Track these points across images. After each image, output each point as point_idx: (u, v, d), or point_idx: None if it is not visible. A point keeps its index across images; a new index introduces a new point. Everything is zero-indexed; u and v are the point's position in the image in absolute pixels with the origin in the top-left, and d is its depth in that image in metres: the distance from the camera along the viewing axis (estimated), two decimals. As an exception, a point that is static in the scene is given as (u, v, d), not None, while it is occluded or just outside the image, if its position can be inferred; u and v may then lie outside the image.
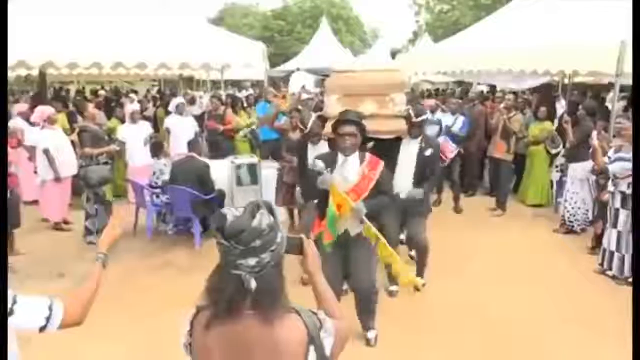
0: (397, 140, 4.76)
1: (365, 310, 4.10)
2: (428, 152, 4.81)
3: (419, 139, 4.81)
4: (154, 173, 6.76)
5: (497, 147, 8.00)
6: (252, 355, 1.49)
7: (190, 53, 8.32)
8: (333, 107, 4.34)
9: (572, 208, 6.80)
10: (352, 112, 3.82)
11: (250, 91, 17.13)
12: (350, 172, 3.70)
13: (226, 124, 9.23)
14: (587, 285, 5.39)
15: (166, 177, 6.62)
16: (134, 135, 7.99)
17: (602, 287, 5.34)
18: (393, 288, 5.05)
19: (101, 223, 6.58)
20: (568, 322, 4.56)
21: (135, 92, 17.77)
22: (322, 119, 5.08)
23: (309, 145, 5.09)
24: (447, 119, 8.32)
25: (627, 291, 5.17)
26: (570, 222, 6.89)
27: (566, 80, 12.69)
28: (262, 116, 8.92)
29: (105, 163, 6.63)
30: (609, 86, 12.81)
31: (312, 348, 1.50)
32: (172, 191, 6.37)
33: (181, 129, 8.52)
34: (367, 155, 3.80)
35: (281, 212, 6.64)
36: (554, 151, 7.75)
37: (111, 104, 10.79)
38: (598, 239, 5.97)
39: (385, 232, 3.86)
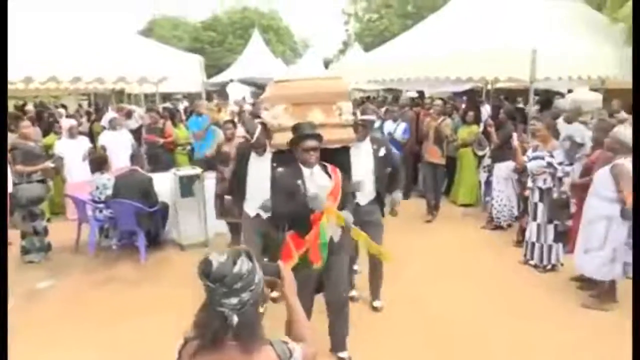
0: (344, 148, 4.60)
1: (340, 326, 4.03)
2: (382, 152, 4.80)
3: (368, 141, 4.78)
4: (97, 188, 6.71)
5: (432, 153, 8.17)
6: None
7: (127, 67, 8.32)
8: (281, 117, 4.24)
9: (499, 205, 7.35)
10: (306, 124, 3.83)
11: (186, 104, 16.98)
12: (323, 180, 3.71)
13: (166, 137, 9.24)
14: (513, 276, 5.87)
15: (109, 191, 6.60)
16: (72, 151, 7.90)
17: (526, 276, 5.83)
18: (377, 304, 5.03)
19: (41, 241, 6.51)
20: (499, 310, 4.98)
21: (64, 106, 17.23)
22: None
23: (253, 156, 4.90)
24: (388, 125, 8.74)
25: (547, 278, 5.73)
26: (498, 218, 7.43)
27: (489, 86, 13.56)
28: (196, 132, 8.91)
29: (40, 181, 6.48)
30: (525, 91, 13.78)
31: None
32: (116, 205, 6.37)
33: (116, 145, 8.48)
34: (325, 163, 3.81)
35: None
36: (480, 153, 8.29)
37: (43, 119, 10.52)
38: (524, 233, 6.48)
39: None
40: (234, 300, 1.68)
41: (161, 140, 9.20)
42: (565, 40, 8.21)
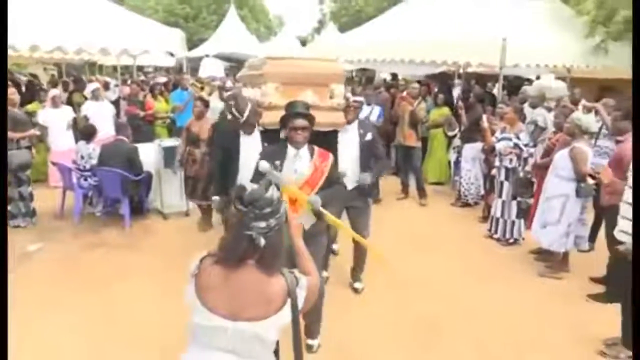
0: (332, 132, 4.61)
1: (313, 313, 3.79)
2: (369, 137, 4.76)
3: (356, 125, 4.77)
4: (82, 157, 6.87)
5: (408, 136, 8.21)
6: (244, 296, 1.91)
7: (110, 38, 8.43)
8: (271, 95, 4.15)
9: (467, 184, 7.81)
10: (299, 103, 3.72)
11: (164, 78, 16.90)
12: (303, 165, 3.55)
13: (146, 109, 9.38)
14: (479, 248, 6.33)
15: (94, 160, 6.78)
16: (56, 120, 8.02)
17: (490, 249, 6.31)
18: (358, 285, 5.02)
19: (27, 206, 6.67)
20: (466, 278, 5.41)
21: (34, 75, 16.98)
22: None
23: (242, 135, 4.70)
24: (364, 109, 9.05)
25: (509, 250, 6.21)
26: (465, 196, 7.90)
27: (461, 70, 13.99)
28: (179, 104, 9.12)
29: (27, 147, 6.64)
30: (496, 76, 14.30)
31: (289, 300, 1.95)
32: (103, 173, 6.56)
33: (99, 115, 8.59)
34: (315, 148, 3.67)
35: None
36: (451, 134, 8.70)
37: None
38: (489, 210, 6.94)
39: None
40: (262, 224, 1.87)
41: (141, 113, 9.34)
42: (533, 30, 8.69)
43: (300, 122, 3.53)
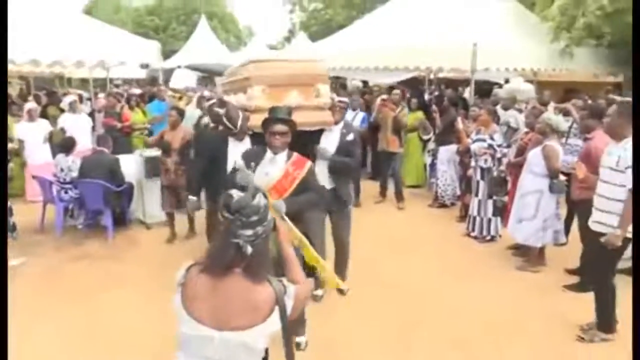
0: (317, 131, 4.66)
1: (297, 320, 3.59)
2: (350, 137, 4.77)
3: (341, 126, 4.78)
4: (62, 170, 6.86)
5: (391, 142, 8.20)
6: (230, 304, 1.90)
7: (86, 51, 8.45)
8: (258, 98, 4.18)
9: (443, 185, 8.04)
10: (282, 108, 3.72)
11: (137, 90, 16.83)
12: (274, 169, 3.54)
13: (123, 120, 9.38)
14: (458, 246, 6.54)
15: (74, 173, 6.77)
16: (32, 133, 7.97)
17: (468, 246, 6.52)
18: (318, 292, 4.88)
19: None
20: (446, 275, 5.60)
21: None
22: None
23: (231, 142, 4.67)
24: (348, 114, 9.19)
25: (486, 247, 6.43)
26: (442, 197, 8.12)
27: (431, 76, 14.36)
28: (158, 115, 9.17)
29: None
30: (467, 81, 14.72)
31: (276, 308, 1.94)
32: (84, 185, 6.56)
33: (77, 128, 8.57)
34: (294, 154, 3.65)
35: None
36: (425, 137, 8.94)
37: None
38: (466, 209, 7.15)
39: (311, 234, 3.61)
40: (249, 232, 1.88)
41: (119, 125, 9.33)
42: (502, 35, 9.02)
43: (279, 127, 3.55)
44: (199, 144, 5.40)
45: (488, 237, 6.56)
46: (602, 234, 3.89)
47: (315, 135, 4.44)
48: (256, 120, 4.07)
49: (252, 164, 3.34)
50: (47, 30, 7.93)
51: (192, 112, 8.21)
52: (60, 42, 8.10)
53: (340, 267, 5.05)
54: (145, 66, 15.98)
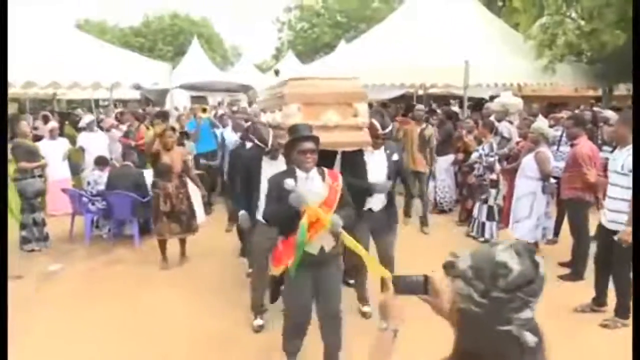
0: (358, 152, 4.50)
1: (335, 333, 3.73)
2: (395, 157, 4.69)
3: (382, 146, 4.64)
4: (89, 183, 7.36)
5: (417, 161, 7.79)
6: None
7: (100, 73, 8.98)
8: (293, 117, 4.01)
9: (442, 192, 8.67)
10: (304, 125, 3.66)
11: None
12: (315, 186, 3.49)
13: (138, 139, 9.86)
14: (458, 245, 7.12)
15: (101, 186, 7.28)
16: (53, 151, 8.42)
17: (468, 245, 7.10)
18: (366, 309, 4.84)
19: (40, 232, 7.07)
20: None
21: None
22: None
23: (265, 161, 4.49)
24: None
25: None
26: (441, 204, 8.74)
27: (420, 92, 15.12)
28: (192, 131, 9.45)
29: (40, 176, 7.07)
30: (454, 97, 15.58)
31: None
32: (113, 197, 7.05)
33: (95, 145, 9.07)
34: (324, 168, 3.63)
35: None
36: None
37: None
38: (467, 213, 7.77)
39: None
40: (527, 314, 1.28)
41: (133, 143, 9.81)
42: (489, 53, 9.75)
43: (309, 145, 3.47)
44: (234, 163, 5.43)
45: (481, 239, 7.08)
46: (617, 232, 4.36)
47: (354, 156, 4.33)
48: None
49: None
50: (60, 53, 8.41)
51: (230, 136, 8.53)
52: (76, 64, 8.64)
53: (362, 287, 4.93)
54: (137, 87, 16.48)
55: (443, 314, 1.55)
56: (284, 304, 3.87)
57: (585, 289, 5.12)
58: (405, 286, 1.65)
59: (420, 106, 8.62)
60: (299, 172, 3.49)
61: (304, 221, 3.35)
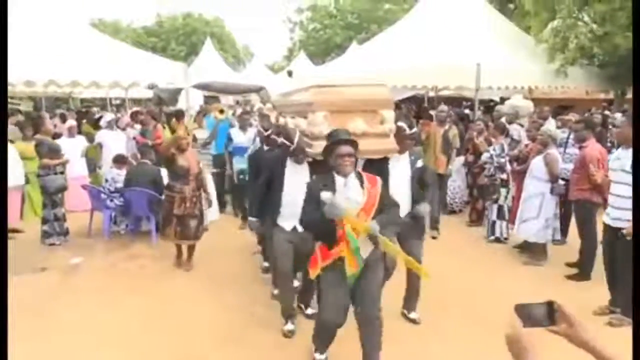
0: (383, 159, 4.40)
1: (374, 341, 3.74)
2: (420, 163, 4.63)
3: (407, 153, 4.56)
4: (107, 180, 7.58)
5: (439, 163, 7.74)
6: None
7: (120, 73, 9.21)
8: (321, 125, 3.95)
9: (452, 193, 8.79)
10: (343, 130, 3.68)
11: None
12: (354, 193, 3.51)
13: (155, 138, 10.06)
14: (469, 245, 7.26)
15: (119, 184, 7.49)
16: (71, 149, 8.65)
17: (478, 245, 7.25)
18: (413, 316, 4.83)
19: (61, 226, 7.29)
20: (460, 267, 6.31)
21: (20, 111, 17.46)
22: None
23: (290, 164, 4.42)
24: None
25: (497, 246, 7.13)
26: (451, 204, 8.86)
27: (431, 94, 15.24)
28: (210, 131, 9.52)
29: (61, 173, 7.29)
30: (465, 99, 15.67)
31: None
32: (131, 193, 7.25)
33: (113, 142, 9.31)
34: (363, 173, 3.66)
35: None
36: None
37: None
38: (477, 214, 7.89)
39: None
40: None
41: (150, 142, 10.01)
42: (501, 56, 9.87)
43: (347, 149, 3.51)
44: (256, 165, 5.27)
45: (492, 238, 7.24)
46: (621, 229, 4.50)
47: (378, 163, 4.27)
48: (317, 148, 3.92)
49: (330, 193, 3.40)
50: (80, 52, 8.65)
51: (238, 136, 8.37)
52: (95, 63, 8.89)
53: (411, 293, 4.88)
54: (152, 87, 16.78)
55: (586, 346, 1.39)
56: (319, 307, 3.96)
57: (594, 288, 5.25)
58: (530, 317, 1.43)
59: (443, 107, 8.46)
60: (337, 178, 3.53)
61: (349, 229, 3.38)
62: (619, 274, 4.77)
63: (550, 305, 1.42)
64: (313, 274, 3.80)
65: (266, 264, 6.04)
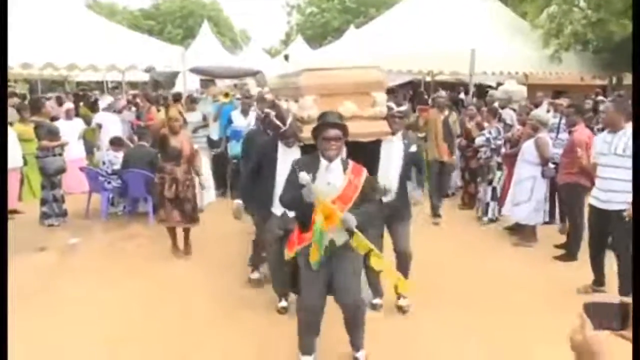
0: (375, 142, 4.32)
1: (355, 327, 3.73)
2: (413, 148, 4.53)
3: (401, 135, 4.47)
4: (104, 162, 7.68)
5: (441, 151, 7.53)
6: None
7: (118, 56, 9.25)
8: (310, 109, 3.89)
9: (445, 176, 8.91)
10: (333, 113, 3.62)
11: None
12: (335, 178, 3.45)
13: (148, 120, 10.16)
14: (461, 227, 7.39)
15: (116, 166, 7.58)
16: (69, 131, 8.72)
17: (470, 227, 7.39)
18: (376, 301, 4.71)
19: (59, 207, 7.39)
20: (453, 249, 6.45)
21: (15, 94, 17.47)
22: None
23: (281, 147, 4.34)
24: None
25: (489, 227, 7.27)
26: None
27: (427, 78, 15.30)
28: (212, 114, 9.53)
29: (60, 154, 7.37)
30: (461, 84, 15.75)
31: None
32: (129, 175, 7.35)
33: (111, 124, 9.39)
34: (350, 161, 3.58)
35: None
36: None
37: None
38: (469, 197, 8.04)
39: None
40: None
41: (142, 124, 10.11)
42: (497, 41, 9.94)
43: (333, 132, 3.44)
44: (249, 148, 5.17)
45: (485, 219, 7.39)
46: (613, 211, 4.60)
47: (370, 147, 4.20)
48: (307, 132, 3.82)
49: (310, 174, 3.31)
50: (77, 35, 8.68)
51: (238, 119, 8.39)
52: (93, 46, 8.91)
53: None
54: (149, 70, 16.80)
55: None
56: (297, 299, 3.94)
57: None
58: (600, 318, 1.22)
59: (442, 92, 8.33)
60: (322, 160, 3.47)
61: (318, 220, 3.32)
62: (615, 257, 4.84)
63: (624, 306, 1.23)
64: (288, 255, 3.73)
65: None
